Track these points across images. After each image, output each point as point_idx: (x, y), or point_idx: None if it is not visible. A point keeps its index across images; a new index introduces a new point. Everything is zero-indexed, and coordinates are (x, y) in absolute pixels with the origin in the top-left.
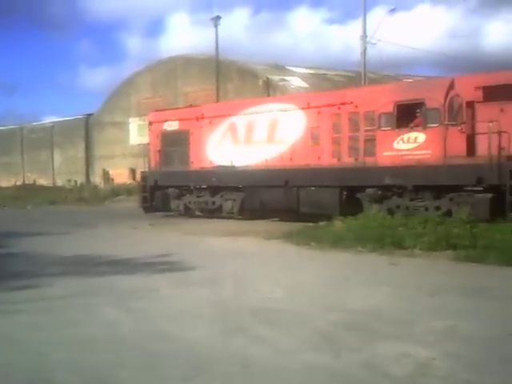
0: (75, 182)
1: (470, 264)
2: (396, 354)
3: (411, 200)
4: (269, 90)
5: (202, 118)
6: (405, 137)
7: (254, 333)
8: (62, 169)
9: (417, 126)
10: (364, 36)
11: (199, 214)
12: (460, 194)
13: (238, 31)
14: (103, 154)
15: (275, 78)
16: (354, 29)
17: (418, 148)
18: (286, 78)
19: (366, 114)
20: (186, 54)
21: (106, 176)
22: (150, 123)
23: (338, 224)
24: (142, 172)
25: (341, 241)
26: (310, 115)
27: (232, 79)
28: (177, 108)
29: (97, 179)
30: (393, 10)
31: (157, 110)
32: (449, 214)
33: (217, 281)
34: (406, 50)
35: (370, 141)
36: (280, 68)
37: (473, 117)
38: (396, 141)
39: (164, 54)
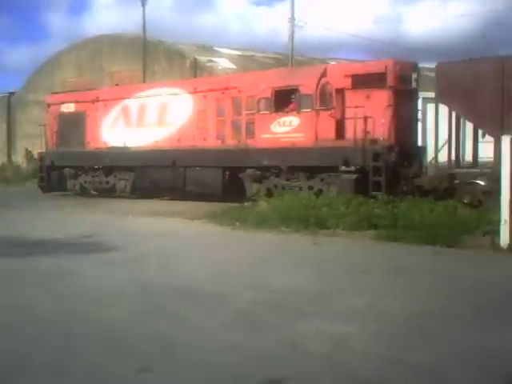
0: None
1: (391, 243)
2: (315, 331)
3: (287, 180)
4: (196, 71)
5: (98, 100)
6: (281, 120)
7: (174, 313)
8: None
9: (292, 110)
10: (292, 19)
11: (94, 193)
12: (330, 174)
13: (164, 11)
14: (26, 134)
15: (203, 59)
16: (281, 11)
17: (293, 131)
18: (214, 59)
19: (248, 98)
20: (113, 33)
21: (29, 156)
22: (48, 105)
23: (263, 204)
24: (39, 152)
25: (265, 221)
26: (196, 99)
27: (159, 60)
28: (73, 91)
29: (20, 159)
30: None
31: (54, 93)
32: (320, 192)
33: (139, 261)
34: (333, 34)
35: (251, 124)
36: (208, 49)
37: (343, 103)
38: (273, 124)
39: (88, 33)
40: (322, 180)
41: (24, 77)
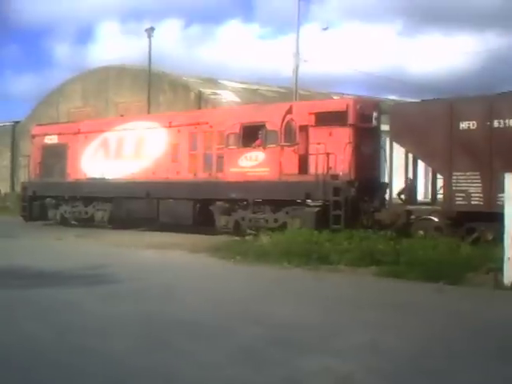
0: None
1: (393, 279)
2: (317, 368)
3: (254, 212)
4: (200, 103)
5: (79, 132)
6: (248, 155)
7: (177, 347)
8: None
9: (258, 145)
10: (297, 53)
11: (74, 223)
12: (294, 207)
13: (169, 43)
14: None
15: (207, 91)
16: (285, 45)
17: (259, 165)
18: (218, 91)
19: (219, 133)
20: (119, 64)
21: None
22: (33, 136)
23: (264, 239)
24: (22, 182)
25: (267, 255)
26: (171, 133)
27: (164, 91)
28: (57, 123)
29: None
30: (326, 29)
31: (39, 125)
32: (285, 225)
33: (142, 294)
34: (336, 69)
35: (221, 158)
36: (212, 81)
37: (306, 139)
38: (241, 159)
39: (93, 63)
40: (287, 213)
41: (29, 106)
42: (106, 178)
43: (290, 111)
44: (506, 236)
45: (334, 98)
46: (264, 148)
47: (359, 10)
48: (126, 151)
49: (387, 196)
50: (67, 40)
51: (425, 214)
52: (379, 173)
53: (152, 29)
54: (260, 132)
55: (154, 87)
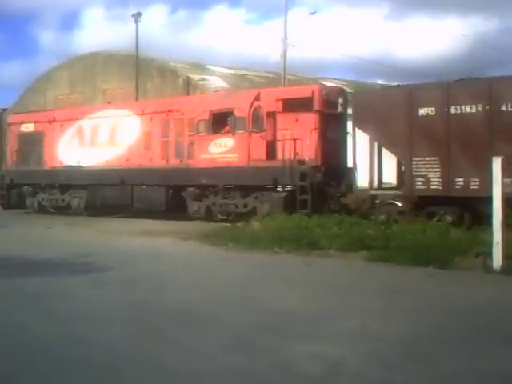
0: None
1: (383, 264)
2: (308, 353)
3: (224, 198)
4: (189, 88)
5: (55, 121)
6: (217, 141)
7: (167, 335)
8: None
9: (227, 132)
10: (285, 38)
11: (52, 210)
12: (262, 192)
13: (156, 29)
14: None
15: (195, 77)
16: (272, 30)
17: (228, 152)
18: (206, 77)
19: (189, 120)
20: (106, 51)
21: None
22: (9, 125)
23: (256, 225)
24: (0, 171)
25: (258, 241)
26: (144, 121)
27: (152, 77)
28: (32, 111)
29: None
30: (313, 13)
31: (15, 113)
32: (254, 210)
33: (132, 282)
34: (324, 53)
35: (192, 145)
36: (200, 67)
37: (274, 125)
38: (211, 145)
39: (80, 49)
40: (256, 198)
41: (16, 93)
42: (82, 165)
43: (257, 98)
44: (494, 220)
45: (323, 82)
46: (233, 134)
47: None
48: (100, 139)
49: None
50: (53, 26)
51: (388, 198)
52: (345, 158)
53: (139, 14)
54: (229, 119)
55: (141, 73)
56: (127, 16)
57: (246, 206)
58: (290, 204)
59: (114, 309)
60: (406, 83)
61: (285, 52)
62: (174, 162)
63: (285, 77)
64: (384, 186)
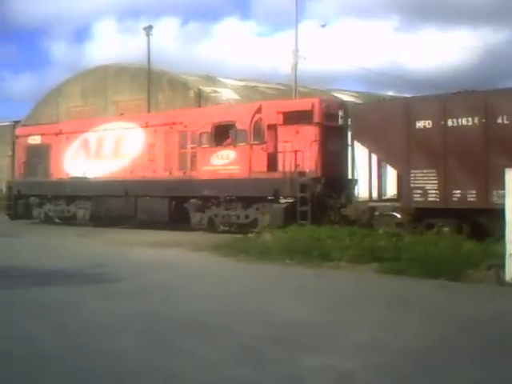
0: (0, 189)
1: (394, 276)
2: (319, 366)
3: (226, 209)
4: (200, 101)
5: (61, 133)
6: (219, 154)
7: (178, 346)
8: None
9: (229, 144)
10: (295, 50)
11: (58, 221)
12: (264, 204)
13: (166, 41)
14: None
15: (207, 89)
16: (283, 42)
17: (230, 164)
18: (218, 89)
19: (192, 133)
20: (117, 63)
21: None
22: (17, 137)
23: (267, 236)
24: (8, 182)
25: (269, 253)
26: (148, 133)
27: (163, 89)
28: (39, 124)
29: None
30: (324, 25)
31: (23, 125)
32: (255, 221)
33: (144, 293)
34: (335, 65)
35: (194, 157)
36: (211, 79)
37: (275, 137)
38: (213, 157)
39: (91, 62)
40: (257, 209)
41: (27, 105)
42: (87, 177)
43: (259, 111)
44: (507, 232)
45: (334, 94)
46: (234, 146)
47: (355, 6)
48: (105, 151)
49: (356, 192)
50: (64, 39)
51: (387, 210)
52: (346, 170)
53: (150, 27)
54: (230, 131)
55: (153, 85)
56: (138, 28)
57: (247, 217)
58: (291, 215)
59: (127, 319)
60: (415, 95)
61: (296, 64)
62: (177, 174)
63: (296, 89)
64: (385, 197)
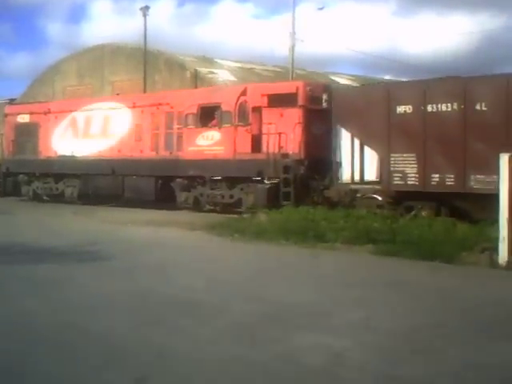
0: None
1: (389, 258)
2: (312, 344)
3: (211, 189)
4: (197, 82)
5: (49, 112)
6: (205, 134)
7: (171, 324)
8: None
9: (214, 125)
10: (293, 33)
11: (46, 198)
12: (248, 184)
13: (163, 22)
14: None
15: (203, 70)
16: (280, 25)
17: (215, 144)
18: (214, 70)
19: (178, 113)
20: (114, 43)
21: None
22: (6, 115)
23: (262, 216)
24: None
25: (264, 233)
26: (135, 113)
27: (160, 70)
28: (28, 103)
29: None
30: (321, 8)
31: (11, 104)
32: (240, 201)
33: (137, 271)
34: (332, 48)
35: (180, 137)
36: (208, 60)
37: (260, 120)
38: (198, 138)
39: (87, 41)
40: (242, 189)
41: (24, 84)
42: (75, 155)
43: (244, 93)
44: (500, 216)
45: (331, 77)
46: (219, 128)
47: None
48: (93, 130)
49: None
50: (60, 18)
51: (369, 192)
52: (329, 152)
53: (147, 7)
54: (216, 113)
55: (149, 66)
56: (134, 9)
57: (232, 196)
58: (274, 196)
59: (127, 296)
60: (413, 78)
61: (293, 46)
62: (163, 154)
63: (293, 71)
64: (367, 180)
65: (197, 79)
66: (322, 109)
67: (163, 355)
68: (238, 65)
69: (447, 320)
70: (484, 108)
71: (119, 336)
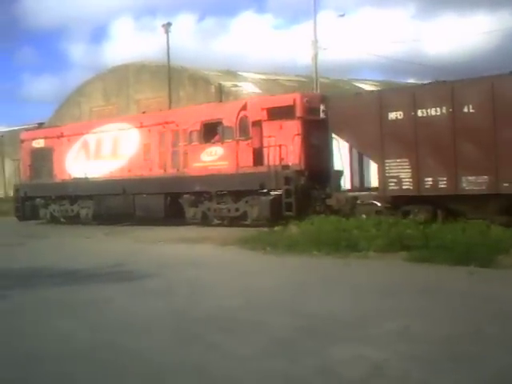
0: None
1: (423, 264)
2: (351, 356)
3: (218, 203)
4: (221, 95)
5: (62, 136)
6: (208, 150)
7: (210, 341)
8: (13, 179)
9: (217, 141)
10: (315, 41)
11: (63, 220)
12: (253, 197)
13: (184, 38)
14: None
15: (227, 83)
16: (300, 34)
17: (218, 159)
18: (239, 83)
19: (183, 131)
20: (138, 61)
21: None
22: (22, 141)
23: (293, 228)
24: (15, 185)
25: (296, 245)
26: (143, 133)
27: (184, 86)
28: (42, 128)
29: None
30: (342, 15)
31: (27, 130)
32: (245, 214)
33: (174, 289)
34: (354, 55)
35: (186, 154)
36: (232, 74)
37: (260, 133)
38: (202, 154)
39: (110, 61)
40: (247, 202)
41: (49, 107)
42: (88, 177)
43: (244, 108)
44: None
45: (355, 84)
46: (222, 143)
47: None
48: (103, 151)
49: (342, 183)
50: (82, 40)
51: (368, 199)
52: (329, 162)
53: (169, 24)
54: (218, 128)
55: (173, 82)
56: (155, 26)
57: (237, 210)
58: (278, 207)
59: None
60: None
61: (316, 55)
62: (171, 171)
63: (317, 80)
64: (368, 187)
65: (221, 93)
66: (320, 119)
67: (203, 374)
68: (262, 76)
69: (487, 326)
70: (472, 110)
71: (157, 356)
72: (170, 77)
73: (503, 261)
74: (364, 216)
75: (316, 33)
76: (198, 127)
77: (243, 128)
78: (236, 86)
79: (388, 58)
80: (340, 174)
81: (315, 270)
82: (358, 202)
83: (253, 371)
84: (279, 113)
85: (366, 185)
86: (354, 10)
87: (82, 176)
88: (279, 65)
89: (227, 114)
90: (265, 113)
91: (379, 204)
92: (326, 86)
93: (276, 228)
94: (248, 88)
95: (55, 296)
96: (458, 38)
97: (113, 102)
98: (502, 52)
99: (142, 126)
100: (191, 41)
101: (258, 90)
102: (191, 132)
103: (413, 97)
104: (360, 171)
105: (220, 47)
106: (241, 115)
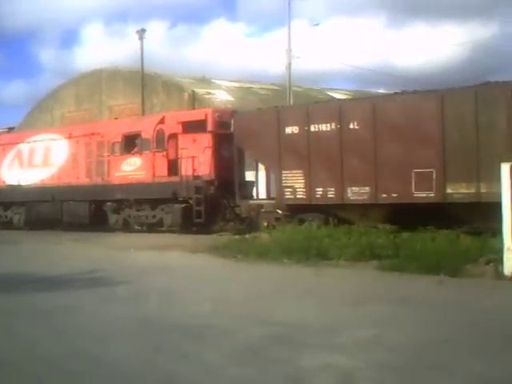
0: None
1: (394, 273)
2: (321, 365)
3: (137, 210)
4: (194, 103)
5: None
6: (128, 161)
7: (178, 349)
8: None
9: (136, 152)
10: (289, 50)
11: None
12: (168, 205)
13: (156, 44)
14: None
15: (201, 91)
16: (273, 42)
17: (137, 169)
18: (212, 91)
19: (107, 142)
20: (111, 67)
21: None
22: None
23: (264, 236)
24: None
25: (267, 253)
26: (71, 143)
27: (158, 93)
28: None
29: None
30: (316, 25)
31: None
32: (162, 220)
33: (142, 296)
34: (326, 64)
35: (109, 164)
36: (206, 81)
37: (176, 145)
38: (123, 164)
39: (82, 66)
40: (163, 210)
41: (19, 112)
42: (21, 184)
43: (162, 121)
44: (504, 227)
45: (327, 93)
46: (140, 154)
47: (342, 4)
48: (36, 160)
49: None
50: (53, 44)
51: (270, 207)
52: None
53: (143, 30)
54: (137, 140)
55: (147, 89)
56: (126, 32)
57: (154, 216)
58: (190, 214)
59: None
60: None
61: (289, 64)
62: (95, 180)
63: (290, 88)
64: (272, 197)
65: (194, 100)
66: (231, 133)
67: (171, 382)
68: (236, 84)
69: (457, 334)
70: (356, 126)
71: (126, 364)
72: (144, 83)
73: (472, 270)
74: (265, 223)
75: (290, 42)
76: (119, 139)
77: (159, 140)
78: (209, 93)
79: (360, 68)
80: (252, 184)
81: (285, 278)
82: (263, 210)
83: (221, 379)
84: (193, 126)
85: (271, 194)
86: (327, 19)
87: (16, 183)
88: (252, 73)
89: (145, 127)
90: (180, 126)
91: (280, 212)
92: (299, 94)
93: (247, 236)
94: (221, 96)
95: (20, 303)
96: (430, 49)
97: (85, 108)
98: (473, 63)
99: (71, 137)
100: (163, 48)
101: (231, 98)
102: (114, 143)
103: (306, 113)
104: (268, 182)
105: (192, 54)
106: (158, 128)
